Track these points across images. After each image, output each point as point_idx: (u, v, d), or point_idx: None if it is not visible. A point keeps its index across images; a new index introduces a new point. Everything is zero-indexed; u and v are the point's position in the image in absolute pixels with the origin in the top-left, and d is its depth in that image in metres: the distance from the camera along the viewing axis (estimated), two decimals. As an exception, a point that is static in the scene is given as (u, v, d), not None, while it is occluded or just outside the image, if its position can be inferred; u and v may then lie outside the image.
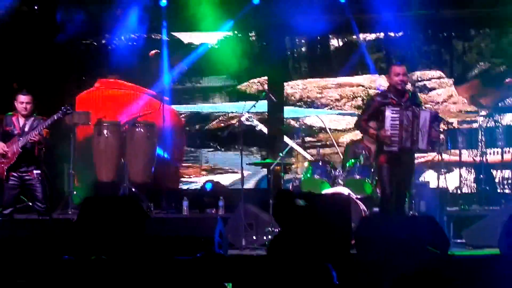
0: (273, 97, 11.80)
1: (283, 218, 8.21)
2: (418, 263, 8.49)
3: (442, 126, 11.37)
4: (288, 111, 14.06)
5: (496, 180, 12.23)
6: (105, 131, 12.73)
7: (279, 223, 8.21)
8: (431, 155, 11.39)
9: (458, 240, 10.43)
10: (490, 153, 12.61)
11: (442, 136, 10.81)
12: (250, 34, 14.50)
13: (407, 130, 9.13)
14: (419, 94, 11.75)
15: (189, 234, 8.94)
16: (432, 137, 9.28)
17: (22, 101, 10.31)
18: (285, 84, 14.18)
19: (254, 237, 10.62)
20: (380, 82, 13.67)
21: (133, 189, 12.38)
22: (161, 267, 7.19)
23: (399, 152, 9.26)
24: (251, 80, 14.22)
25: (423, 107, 9.87)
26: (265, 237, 10.50)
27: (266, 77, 13.98)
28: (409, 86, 10.60)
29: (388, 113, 9.15)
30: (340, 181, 11.09)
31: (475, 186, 12.23)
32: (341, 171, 11.19)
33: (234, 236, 10.44)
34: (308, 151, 13.55)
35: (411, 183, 10.07)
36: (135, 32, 13.93)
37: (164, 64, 13.96)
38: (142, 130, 12.75)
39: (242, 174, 11.25)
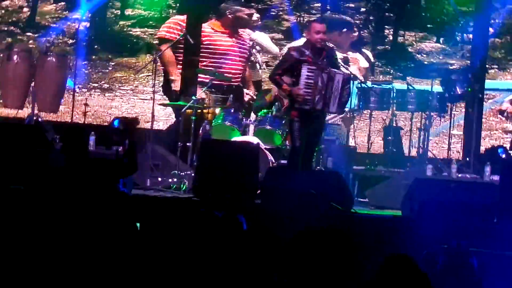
0: (190, 39, 11.66)
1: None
2: (321, 217, 8.58)
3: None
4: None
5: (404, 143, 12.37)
6: (15, 57, 12.38)
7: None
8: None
9: (362, 199, 10.55)
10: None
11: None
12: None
13: (320, 92, 9.09)
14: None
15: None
16: (342, 100, 9.28)
17: None
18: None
19: (159, 179, 10.53)
20: None
21: (40, 119, 12.11)
22: (62, 201, 7.05)
23: (311, 111, 9.23)
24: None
25: (340, 64, 9.82)
26: (170, 180, 10.43)
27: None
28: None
29: (304, 72, 9.05)
30: (250, 130, 11.06)
31: (382, 147, 12.34)
32: (252, 120, 11.15)
33: (139, 176, 10.32)
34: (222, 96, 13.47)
35: (320, 139, 10.09)
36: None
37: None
38: (54, 59, 12.44)
39: (153, 113, 11.16)
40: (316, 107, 9.18)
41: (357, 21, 14.85)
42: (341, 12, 15.16)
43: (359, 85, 12.11)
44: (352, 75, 10.41)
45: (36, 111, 12.11)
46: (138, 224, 6.24)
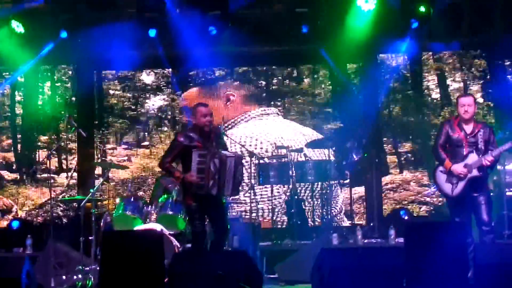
0: (82, 133, 11.55)
1: None
2: (231, 299, 8.47)
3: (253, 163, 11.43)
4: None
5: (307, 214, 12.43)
6: None
7: None
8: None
9: (271, 275, 10.48)
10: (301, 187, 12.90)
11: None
12: (59, 67, 14.28)
13: (214, 177, 8.92)
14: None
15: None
16: (236, 182, 9.17)
17: None
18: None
19: (64, 277, 10.27)
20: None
21: None
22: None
23: (206, 195, 9.09)
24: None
25: (228, 148, 9.75)
26: (75, 277, 10.18)
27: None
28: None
29: (195, 157, 8.86)
30: (152, 217, 10.93)
31: (286, 220, 12.36)
32: (153, 207, 11.04)
33: (43, 276, 10.04)
34: (119, 186, 13.38)
35: (223, 218, 9.96)
36: None
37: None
38: None
39: (51, 210, 10.94)
40: (210, 192, 9.04)
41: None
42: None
43: (257, 161, 12.19)
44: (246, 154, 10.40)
45: None
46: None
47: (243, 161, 9.49)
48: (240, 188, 9.32)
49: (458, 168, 9.32)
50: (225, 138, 9.93)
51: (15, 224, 12.38)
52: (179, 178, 9.02)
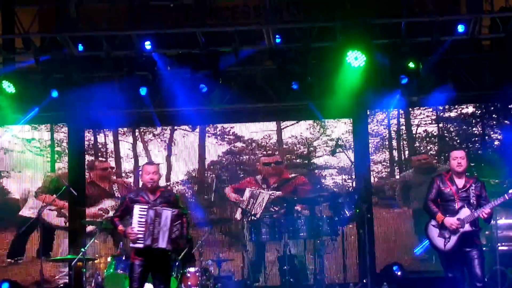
0: (73, 191, 11.54)
1: None
2: None
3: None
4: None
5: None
6: None
7: None
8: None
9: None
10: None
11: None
12: (52, 126, 14.31)
13: (149, 228, 9.13)
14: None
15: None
16: (172, 236, 9.27)
17: None
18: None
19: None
20: None
21: None
22: None
23: (146, 249, 9.16)
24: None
25: (181, 205, 9.82)
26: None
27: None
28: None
29: (136, 211, 9.18)
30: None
31: (279, 278, 12.28)
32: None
33: None
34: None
35: (168, 278, 9.78)
36: None
37: None
38: None
39: (42, 271, 10.87)
40: (145, 242, 9.17)
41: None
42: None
43: (249, 218, 12.15)
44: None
45: None
46: None
47: (183, 218, 9.52)
48: (177, 242, 9.37)
49: (451, 219, 9.29)
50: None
51: (5, 286, 12.30)
52: (122, 231, 9.22)
